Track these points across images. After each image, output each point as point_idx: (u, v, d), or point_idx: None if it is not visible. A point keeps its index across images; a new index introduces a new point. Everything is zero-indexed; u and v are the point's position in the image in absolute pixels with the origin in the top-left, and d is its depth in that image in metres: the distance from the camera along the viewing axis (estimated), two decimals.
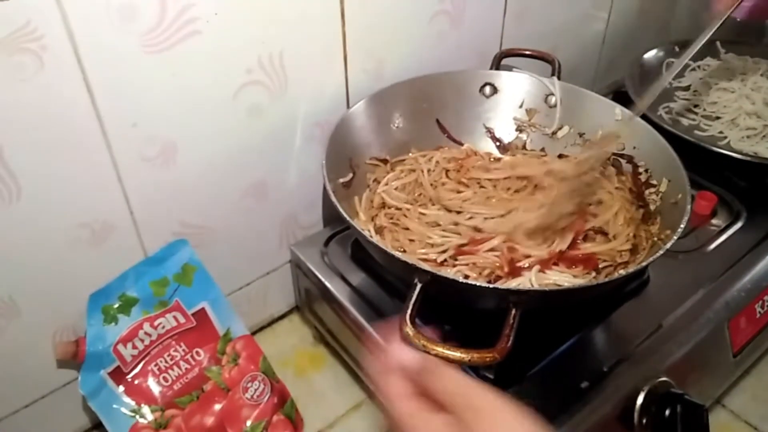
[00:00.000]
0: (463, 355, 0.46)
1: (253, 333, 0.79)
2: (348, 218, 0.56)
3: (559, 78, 0.77)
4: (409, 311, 0.49)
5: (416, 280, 0.51)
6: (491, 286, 0.54)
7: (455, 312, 0.56)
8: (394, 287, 0.67)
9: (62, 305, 0.60)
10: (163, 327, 0.62)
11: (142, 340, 0.61)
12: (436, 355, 0.46)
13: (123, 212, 0.60)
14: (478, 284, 0.54)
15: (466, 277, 0.60)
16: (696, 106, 0.91)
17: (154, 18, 0.52)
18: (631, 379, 0.58)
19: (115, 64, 0.52)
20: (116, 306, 0.61)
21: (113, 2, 0.49)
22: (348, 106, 0.72)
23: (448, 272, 0.59)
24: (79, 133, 0.53)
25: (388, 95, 0.72)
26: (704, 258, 0.71)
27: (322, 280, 0.69)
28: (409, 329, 0.47)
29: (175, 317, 0.63)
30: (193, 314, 0.64)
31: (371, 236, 0.61)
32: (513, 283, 0.59)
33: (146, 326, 0.61)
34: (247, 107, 0.63)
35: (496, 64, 0.79)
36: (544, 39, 0.90)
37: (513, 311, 0.50)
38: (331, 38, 0.67)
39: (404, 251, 0.64)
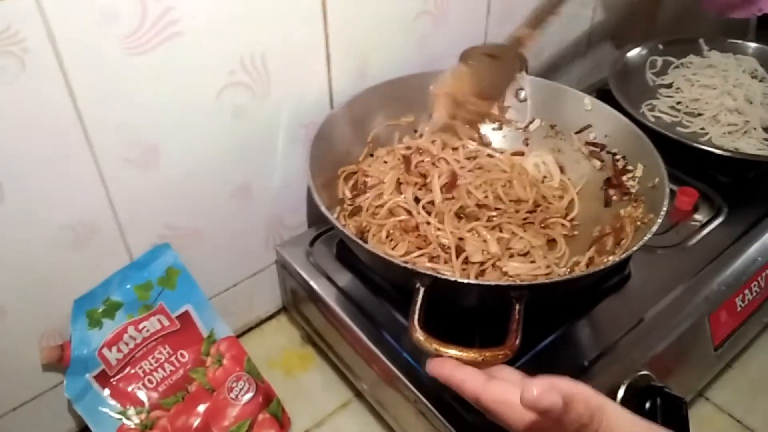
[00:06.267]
0: (476, 356, 0.47)
1: (241, 334, 0.80)
2: (340, 227, 0.56)
3: (526, 72, 0.77)
4: (416, 316, 0.49)
5: (418, 284, 0.52)
6: (494, 283, 0.54)
7: (448, 311, 0.56)
8: (380, 286, 0.67)
9: (48, 309, 0.60)
10: (148, 330, 0.62)
11: (127, 344, 0.61)
12: (449, 357, 0.46)
13: (107, 214, 0.60)
14: (481, 283, 0.54)
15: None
16: (678, 103, 0.92)
17: (135, 20, 0.52)
18: (611, 374, 0.59)
19: (97, 66, 0.52)
20: (100, 310, 0.61)
21: (94, 5, 0.50)
22: (332, 107, 0.73)
23: (450, 274, 0.60)
24: (62, 136, 0.53)
25: (370, 96, 0.73)
26: (685, 253, 0.71)
27: (308, 280, 0.69)
28: (420, 334, 0.48)
29: (159, 320, 0.63)
30: (177, 317, 0.64)
31: (365, 243, 0.62)
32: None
33: (131, 330, 0.61)
34: (230, 108, 0.63)
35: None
36: None
37: (517, 306, 0.50)
38: (314, 39, 0.67)
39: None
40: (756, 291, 0.70)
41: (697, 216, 0.77)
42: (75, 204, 0.57)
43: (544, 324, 0.62)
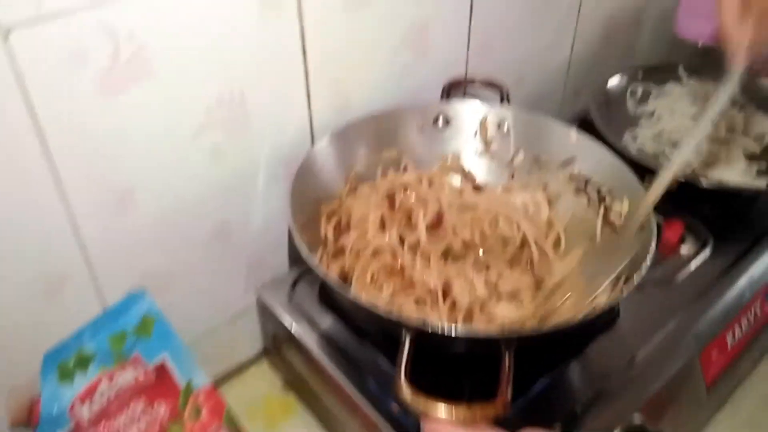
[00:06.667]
0: (466, 413, 0.45)
1: (221, 381, 0.77)
2: (323, 274, 0.54)
3: (508, 102, 0.76)
4: (403, 369, 0.47)
5: (405, 334, 0.50)
6: (483, 334, 0.53)
7: (436, 357, 0.55)
8: (364, 330, 0.65)
9: (16, 364, 0.57)
10: (122, 383, 0.59)
11: (100, 398, 0.58)
12: (438, 415, 0.44)
13: (79, 263, 0.57)
14: (470, 335, 0.53)
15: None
16: (661, 132, 0.92)
17: (106, 61, 0.50)
18: (603, 420, 0.57)
19: (68, 109, 0.50)
20: (72, 363, 0.58)
21: (64, 46, 0.48)
22: (313, 142, 0.71)
23: (437, 322, 0.58)
24: (32, 182, 0.51)
25: (352, 131, 0.71)
26: (673, 288, 0.70)
27: (289, 325, 0.67)
28: (407, 391, 0.46)
29: (134, 371, 0.60)
30: (153, 368, 0.61)
31: (348, 287, 0.61)
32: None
33: (104, 383, 0.58)
34: (207, 148, 0.61)
35: (446, 95, 0.79)
36: (509, 68, 0.90)
37: (507, 356, 0.49)
38: (293, 74, 0.65)
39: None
40: (745, 326, 0.70)
41: (683, 248, 0.76)
42: (45, 253, 0.55)
43: (534, 367, 0.60)
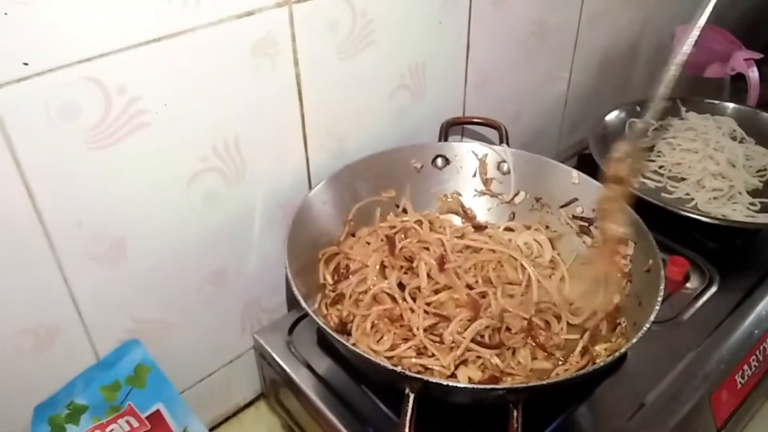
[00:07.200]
0: None
1: (218, 425, 0.75)
2: (322, 324, 0.53)
3: (507, 144, 0.76)
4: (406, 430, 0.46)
5: (408, 390, 0.48)
6: (489, 387, 0.52)
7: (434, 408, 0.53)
8: (365, 376, 0.63)
9: (5, 419, 0.56)
10: None
11: None
12: None
13: (70, 314, 0.56)
14: (476, 387, 0.52)
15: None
16: (661, 167, 0.91)
17: (97, 114, 0.50)
18: None
19: (57, 163, 0.49)
20: (64, 415, 0.57)
21: (52, 102, 0.47)
22: (310, 185, 0.70)
23: (441, 378, 0.56)
24: (19, 235, 0.50)
25: (349, 173, 0.71)
26: (681, 327, 0.69)
27: (287, 370, 0.65)
28: None
29: (128, 422, 0.58)
30: (147, 417, 0.59)
31: (348, 335, 0.60)
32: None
33: None
34: (202, 195, 0.61)
35: (444, 135, 0.79)
36: (507, 104, 0.90)
37: (515, 412, 0.47)
38: (290, 120, 0.65)
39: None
40: (755, 366, 0.68)
41: (688, 285, 0.75)
42: (35, 307, 0.54)
43: (542, 413, 0.58)
